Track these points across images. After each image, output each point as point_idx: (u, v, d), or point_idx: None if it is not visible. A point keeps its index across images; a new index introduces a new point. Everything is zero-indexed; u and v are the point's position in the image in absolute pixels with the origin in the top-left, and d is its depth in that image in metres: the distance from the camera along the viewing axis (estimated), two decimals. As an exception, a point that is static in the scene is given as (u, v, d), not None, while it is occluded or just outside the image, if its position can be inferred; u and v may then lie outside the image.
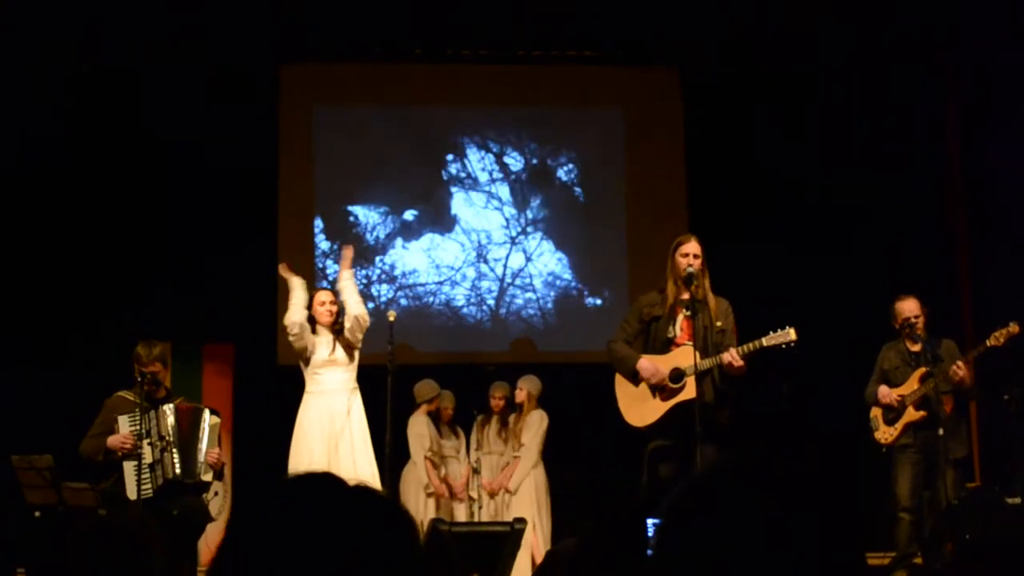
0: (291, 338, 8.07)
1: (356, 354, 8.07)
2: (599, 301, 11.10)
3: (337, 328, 8.06)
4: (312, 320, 8.11)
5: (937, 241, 10.69)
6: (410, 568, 1.42)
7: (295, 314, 8.03)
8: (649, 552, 1.42)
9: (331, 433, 7.85)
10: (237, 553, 1.37)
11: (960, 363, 7.77)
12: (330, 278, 10.75)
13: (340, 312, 8.14)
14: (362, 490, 1.45)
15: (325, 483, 1.44)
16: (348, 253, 8.45)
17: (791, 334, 6.93)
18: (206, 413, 7.60)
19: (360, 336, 8.08)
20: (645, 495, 7.13)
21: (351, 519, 1.39)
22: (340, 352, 8.00)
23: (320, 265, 10.88)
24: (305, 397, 8.04)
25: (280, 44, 10.71)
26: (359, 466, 7.80)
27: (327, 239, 10.97)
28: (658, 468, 7.15)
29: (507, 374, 9.87)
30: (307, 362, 8.04)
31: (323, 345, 8.03)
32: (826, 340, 8.92)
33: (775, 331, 6.98)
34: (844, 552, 1.36)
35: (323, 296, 8.22)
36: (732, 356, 6.96)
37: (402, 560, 1.41)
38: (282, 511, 1.40)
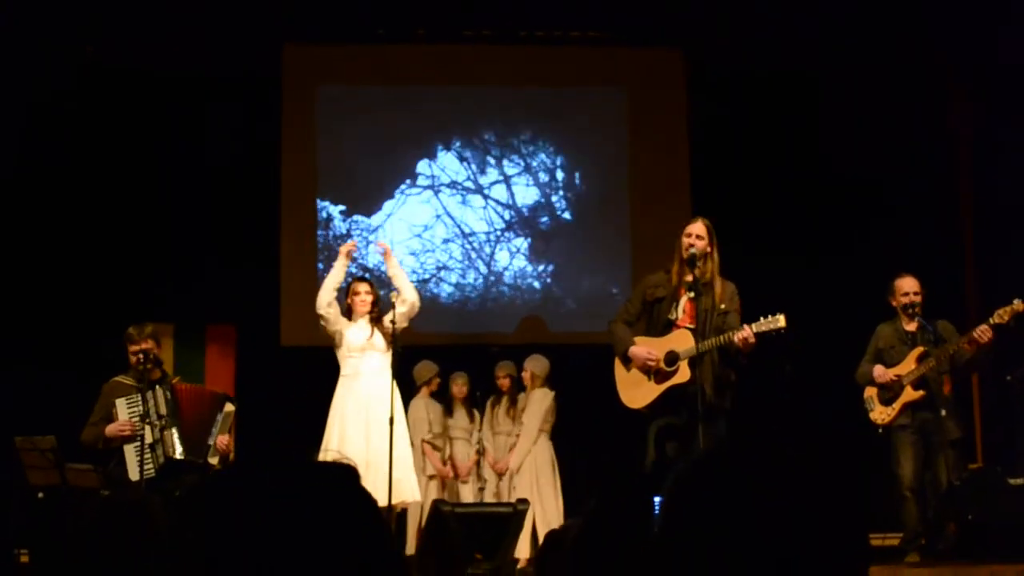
0: (321, 322, 8.13)
1: (392, 340, 8.10)
2: (602, 282, 11.08)
3: (374, 316, 8.07)
4: (349, 309, 8.15)
5: (941, 223, 10.67)
6: (373, 546, 1.43)
7: (323, 295, 8.12)
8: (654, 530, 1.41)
9: (367, 417, 7.87)
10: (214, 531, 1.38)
11: (985, 327, 7.57)
12: (331, 262, 10.77)
13: (376, 301, 8.16)
14: (321, 467, 1.45)
15: (284, 461, 1.45)
16: (387, 247, 8.55)
17: (780, 321, 6.88)
18: (224, 400, 7.66)
19: (407, 322, 8.15)
20: (650, 473, 7.13)
21: (305, 497, 1.40)
22: (378, 337, 8.03)
23: (322, 244, 10.85)
24: (340, 381, 8.09)
25: (283, 24, 10.69)
26: (395, 449, 7.84)
27: (329, 218, 10.95)
28: (664, 446, 7.15)
29: (512, 355, 9.87)
30: (340, 346, 8.08)
31: (359, 331, 8.06)
32: (830, 323, 8.92)
33: (765, 317, 6.94)
34: (846, 533, 1.35)
35: (358, 287, 8.26)
36: (746, 332, 6.92)
37: (361, 540, 1.42)
38: (242, 489, 1.41)
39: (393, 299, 8.13)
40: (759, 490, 1.34)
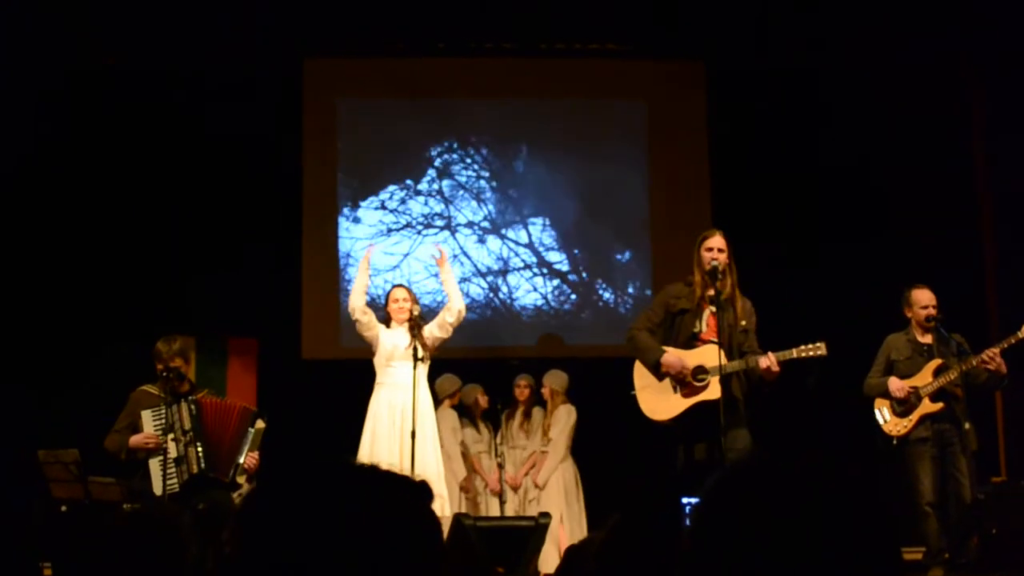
0: (356, 326, 8.10)
1: (431, 350, 8.09)
2: (622, 295, 11.07)
3: (413, 324, 8.04)
4: (387, 315, 8.14)
5: (963, 234, 10.62)
6: (428, 553, 1.43)
7: (355, 299, 8.10)
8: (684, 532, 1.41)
9: (403, 426, 7.85)
10: (252, 537, 1.37)
11: (995, 351, 7.56)
12: (351, 272, 10.79)
13: (415, 310, 8.12)
14: (378, 473, 1.45)
15: (338, 468, 1.45)
16: (443, 252, 8.57)
17: (822, 348, 6.97)
18: (255, 417, 7.62)
19: (451, 332, 8.16)
20: (681, 476, 7.11)
21: (365, 503, 1.39)
22: (418, 347, 7.98)
23: (343, 262, 10.88)
24: (376, 389, 8.06)
25: (304, 38, 10.74)
26: (428, 459, 7.83)
27: (351, 232, 10.97)
28: (693, 450, 7.13)
29: (531, 368, 9.86)
30: (377, 353, 8.06)
31: (398, 339, 8.03)
32: (851, 335, 8.87)
33: (807, 344, 7.01)
34: (879, 546, 1.35)
35: (397, 294, 8.24)
36: (771, 361, 6.95)
37: (418, 545, 1.41)
38: (294, 495, 1.40)
39: (415, 312, 8.11)
40: (793, 502, 1.33)
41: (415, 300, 8.23)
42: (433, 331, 8.11)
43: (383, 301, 8.56)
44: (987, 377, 7.72)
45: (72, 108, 10.31)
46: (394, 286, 8.51)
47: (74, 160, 10.36)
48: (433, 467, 7.92)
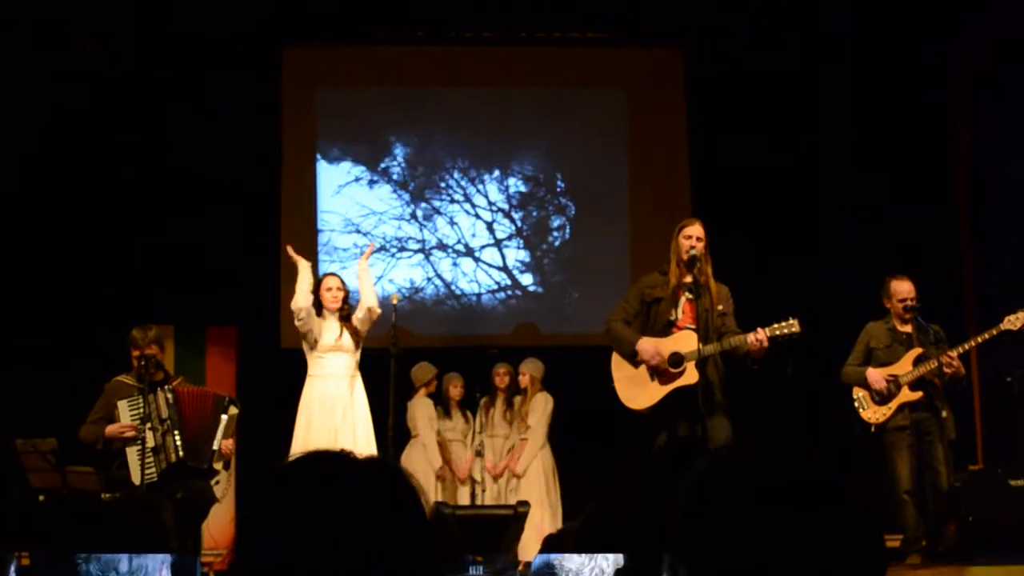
0: (298, 323, 8.01)
1: (360, 340, 8.04)
2: (600, 284, 11.05)
3: (344, 314, 8.01)
4: (319, 304, 8.09)
5: (940, 225, 10.66)
6: (421, 535, 1.43)
7: (301, 299, 7.98)
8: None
9: (334, 417, 7.82)
10: (255, 538, 1.36)
11: (953, 354, 7.62)
12: (331, 262, 10.76)
13: (347, 298, 8.11)
14: (373, 462, 1.46)
15: (334, 458, 1.46)
16: (371, 248, 8.53)
17: (795, 325, 6.94)
18: (228, 403, 7.60)
19: (368, 327, 8.04)
20: (663, 454, 7.10)
21: (362, 490, 1.40)
22: (346, 337, 7.93)
23: (323, 248, 10.85)
24: (308, 380, 8.00)
25: (283, 27, 10.70)
26: (360, 450, 7.76)
27: (329, 222, 10.95)
28: (676, 428, 7.11)
29: (509, 357, 9.85)
30: (312, 346, 8.00)
31: (329, 330, 7.97)
32: (827, 324, 8.91)
33: (779, 322, 6.98)
34: (864, 533, 1.35)
35: (330, 282, 8.15)
36: (761, 335, 6.94)
37: (414, 527, 1.42)
38: (294, 489, 1.40)
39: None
40: (778, 490, 1.33)
41: (346, 288, 8.16)
42: (355, 325, 8.03)
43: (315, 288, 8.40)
44: (948, 379, 7.72)
45: (51, 101, 10.22)
46: (326, 274, 8.42)
47: (51, 153, 10.30)
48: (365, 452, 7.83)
